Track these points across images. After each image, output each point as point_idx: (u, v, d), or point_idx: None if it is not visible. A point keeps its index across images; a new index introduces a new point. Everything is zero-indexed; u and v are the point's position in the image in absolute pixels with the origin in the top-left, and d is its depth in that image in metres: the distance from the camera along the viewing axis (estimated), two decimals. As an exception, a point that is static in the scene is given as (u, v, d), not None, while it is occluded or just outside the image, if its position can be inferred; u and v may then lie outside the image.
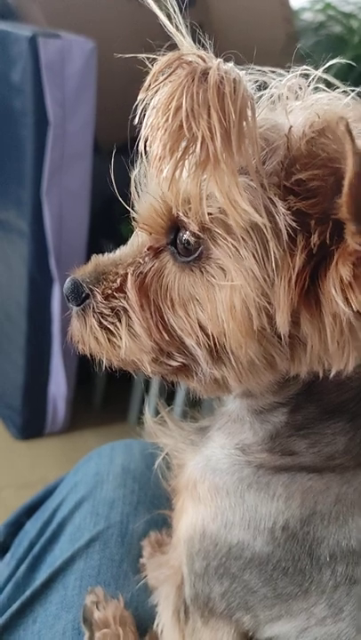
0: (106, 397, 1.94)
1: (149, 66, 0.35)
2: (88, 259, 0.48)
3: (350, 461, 0.45)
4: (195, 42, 0.38)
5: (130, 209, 0.46)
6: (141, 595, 0.63)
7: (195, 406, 0.59)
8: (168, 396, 1.49)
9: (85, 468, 0.79)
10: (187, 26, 0.37)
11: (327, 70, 0.44)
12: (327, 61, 0.43)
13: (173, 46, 0.37)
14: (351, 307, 0.36)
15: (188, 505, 0.51)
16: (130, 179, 0.46)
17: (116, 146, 0.52)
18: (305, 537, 0.45)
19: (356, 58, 1.58)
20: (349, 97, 0.40)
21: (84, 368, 1.76)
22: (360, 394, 0.45)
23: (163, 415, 0.57)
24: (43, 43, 1.41)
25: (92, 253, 0.48)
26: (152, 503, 0.73)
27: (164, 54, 0.35)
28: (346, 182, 0.33)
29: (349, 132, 0.32)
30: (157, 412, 0.57)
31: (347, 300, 0.36)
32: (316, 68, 0.44)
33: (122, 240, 0.48)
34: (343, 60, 0.44)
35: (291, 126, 0.37)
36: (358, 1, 1.84)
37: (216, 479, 0.48)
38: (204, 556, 0.48)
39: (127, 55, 0.37)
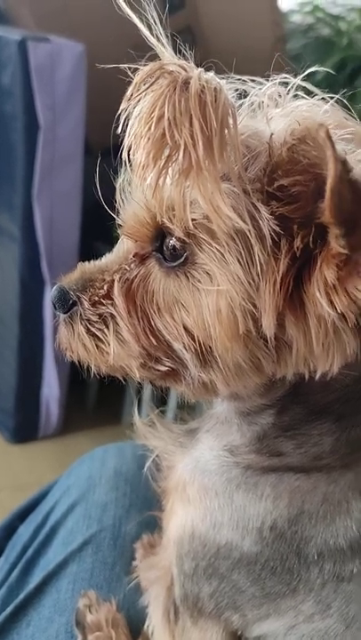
0: (99, 400, 1.94)
1: (131, 76, 0.36)
2: (80, 261, 0.48)
3: (337, 461, 0.45)
4: (180, 46, 0.38)
5: (115, 216, 0.46)
6: (134, 597, 0.63)
7: (184, 409, 0.59)
8: (161, 399, 1.49)
9: (78, 471, 0.80)
10: (167, 36, 0.37)
11: (309, 76, 0.44)
12: (306, 69, 0.44)
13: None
14: (335, 309, 0.36)
15: (177, 506, 0.51)
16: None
17: (106, 148, 0.53)
18: (293, 536, 0.45)
19: (345, 60, 1.60)
20: (328, 104, 0.41)
21: (76, 371, 1.75)
22: (345, 395, 0.45)
23: (152, 417, 0.57)
24: (32, 46, 1.41)
25: (84, 256, 0.48)
26: (144, 506, 0.73)
27: (145, 64, 0.36)
28: (328, 187, 0.33)
29: (330, 138, 0.33)
30: (148, 415, 0.58)
31: (331, 302, 0.36)
32: (303, 71, 0.44)
33: (114, 242, 0.49)
34: (322, 68, 0.44)
35: (272, 133, 0.38)
36: (347, 3, 1.85)
37: (205, 480, 0.49)
38: (193, 556, 0.48)
39: (109, 66, 0.37)
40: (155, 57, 0.37)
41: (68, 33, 1.50)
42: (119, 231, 0.46)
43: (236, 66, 0.45)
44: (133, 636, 0.61)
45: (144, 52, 0.38)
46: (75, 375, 1.77)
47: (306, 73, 0.43)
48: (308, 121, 0.36)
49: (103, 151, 0.51)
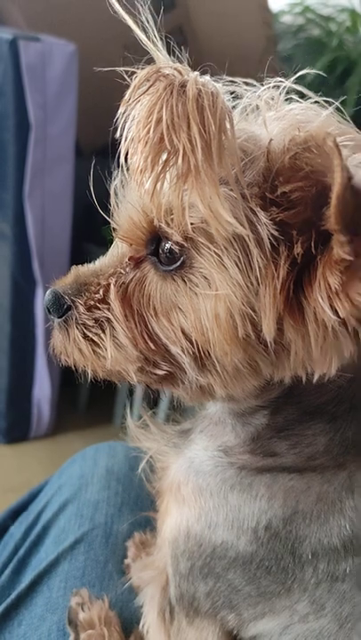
0: (91, 400, 1.93)
1: (128, 80, 0.36)
2: (72, 262, 0.48)
3: (330, 461, 0.46)
4: (174, 47, 0.38)
5: (109, 218, 0.46)
6: (126, 595, 0.64)
7: (177, 410, 0.60)
8: (152, 400, 1.49)
9: (69, 470, 0.80)
10: (162, 39, 0.37)
11: (300, 78, 0.44)
12: (298, 71, 0.44)
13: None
14: (338, 314, 0.37)
15: (172, 507, 0.51)
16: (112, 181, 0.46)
17: (98, 149, 0.53)
18: (287, 536, 0.45)
19: (335, 61, 1.61)
20: (320, 107, 0.41)
21: (68, 371, 1.74)
22: (339, 395, 0.46)
23: (145, 419, 0.57)
24: (23, 46, 1.40)
25: (75, 257, 0.48)
26: (136, 504, 0.73)
27: (142, 68, 0.36)
28: (334, 195, 0.33)
29: (337, 146, 0.33)
30: (141, 417, 0.58)
31: (333, 307, 0.37)
32: (295, 72, 0.44)
33: (105, 243, 0.48)
34: (313, 71, 0.44)
35: (271, 139, 0.38)
36: (337, 4, 1.86)
37: (200, 481, 0.49)
38: (188, 556, 0.49)
39: (105, 69, 0.37)
40: (148, 59, 0.37)
41: (59, 33, 1.49)
42: (113, 234, 0.46)
43: (228, 66, 0.45)
44: (126, 634, 0.61)
45: (136, 51, 0.38)
46: (66, 376, 1.76)
47: (297, 75, 0.43)
48: (313, 128, 0.36)
49: (96, 152, 0.51)
